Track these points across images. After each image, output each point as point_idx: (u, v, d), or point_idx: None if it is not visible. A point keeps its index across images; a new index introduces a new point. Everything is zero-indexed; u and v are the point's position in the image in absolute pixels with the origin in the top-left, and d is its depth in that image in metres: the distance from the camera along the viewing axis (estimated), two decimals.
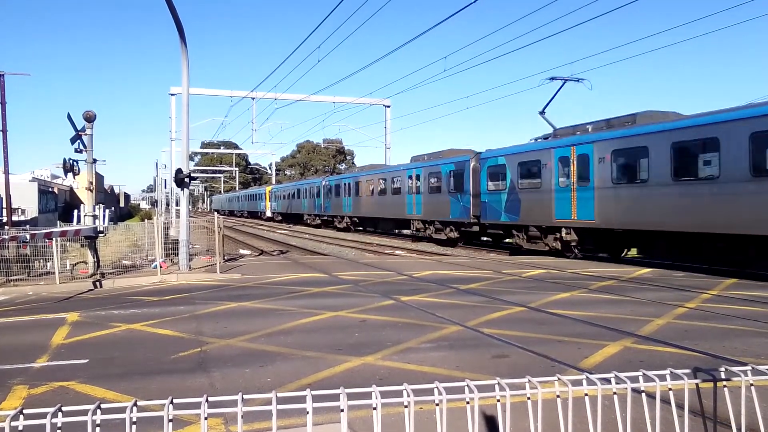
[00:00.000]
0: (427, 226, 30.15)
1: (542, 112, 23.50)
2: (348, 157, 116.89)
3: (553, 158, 20.61)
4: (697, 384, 3.13)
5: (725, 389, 3.06)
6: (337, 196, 42.93)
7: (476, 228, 26.48)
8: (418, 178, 30.60)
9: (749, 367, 3.10)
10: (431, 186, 29.24)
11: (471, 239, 28.91)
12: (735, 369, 3.11)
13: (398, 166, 34.28)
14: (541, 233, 21.48)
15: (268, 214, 67.69)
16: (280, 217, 64.00)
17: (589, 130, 19.95)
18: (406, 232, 36.17)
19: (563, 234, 20.38)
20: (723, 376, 3.08)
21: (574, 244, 20.22)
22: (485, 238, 29.21)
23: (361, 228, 41.93)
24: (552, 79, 22.41)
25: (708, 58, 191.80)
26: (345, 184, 41.76)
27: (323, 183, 46.78)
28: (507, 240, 26.36)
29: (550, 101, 23.78)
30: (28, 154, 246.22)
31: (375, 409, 2.62)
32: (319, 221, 48.98)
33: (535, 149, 21.83)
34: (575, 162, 19.62)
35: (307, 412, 2.56)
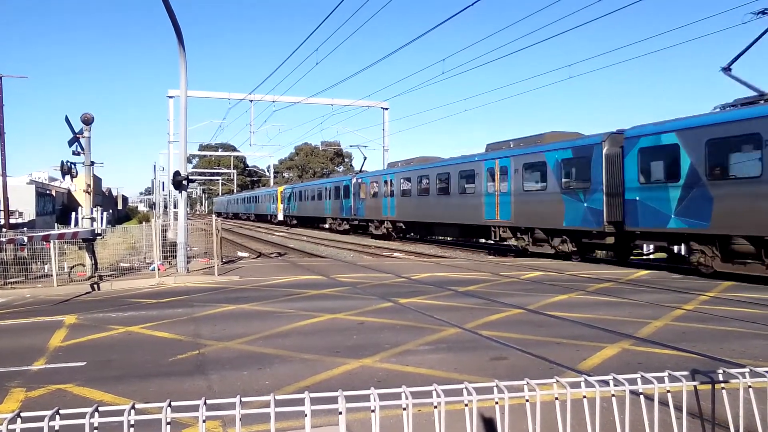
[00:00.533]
0: (519, 235, 22.80)
1: (728, 69, 15.97)
2: (346, 160, 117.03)
3: None
4: (695, 386, 3.13)
5: (723, 391, 3.06)
6: (374, 197, 36.22)
7: (610, 239, 18.79)
8: (504, 171, 23.16)
9: (747, 369, 3.10)
10: (528, 181, 22.01)
11: (588, 250, 21.08)
12: (733, 371, 3.11)
13: (470, 156, 26.49)
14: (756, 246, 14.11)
15: (280, 217, 61.22)
16: (295, 221, 57.15)
17: None
18: (479, 240, 30.44)
19: None
20: (721, 378, 3.08)
21: None
22: (637, 257, 21.85)
23: (409, 235, 35.24)
24: (763, 12, 14.81)
25: None
26: (386, 181, 34.70)
27: (354, 181, 39.76)
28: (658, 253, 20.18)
29: (747, 49, 15.86)
30: (25, 156, 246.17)
31: (373, 411, 2.62)
32: (347, 226, 41.91)
33: (740, 118, 14.41)
34: None
35: (306, 415, 2.56)
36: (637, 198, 16.99)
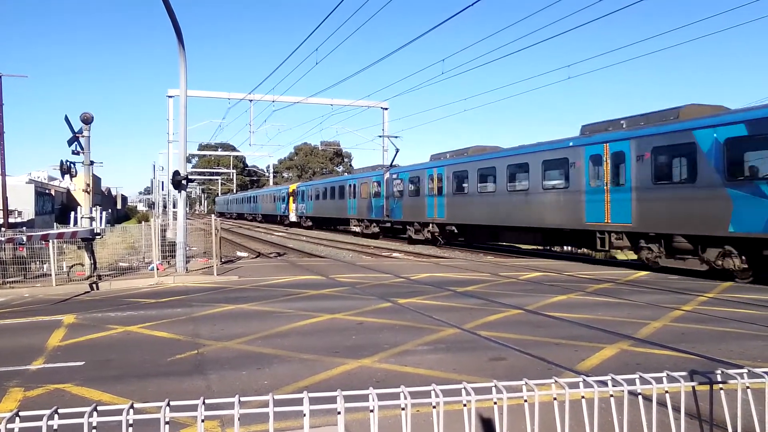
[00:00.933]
0: (644, 243, 17.04)
1: None
2: (345, 160, 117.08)
3: None
4: (693, 387, 3.13)
5: (721, 392, 3.06)
6: (415, 195, 30.58)
7: None
8: (640, 159, 16.74)
9: (745, 370, 3.10)
10: (662, 170, 16.48)
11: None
12: (731, 372, 3.11)
13: (562, 141, 20.57)
14: None
15: (293, 218, 55.32)
16: (309, 222, 51.13)
17: None
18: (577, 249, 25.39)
19: None
20: (719, 378, 3.09)
21: None
22: None
23: (461, 239, 28.82)
24: None
25: None
26: (432, 176, 28.93)
27: (387, 177, 34.24)
28: None
29: None
30: (25, 156, 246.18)
31: (372, 411, 2.62)
32: (376, 228, 36.75)
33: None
34: None
35: (304, 415, 2.56)
36: None
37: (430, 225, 29.78)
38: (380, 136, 43.52)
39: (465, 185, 26.31)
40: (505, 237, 26.03)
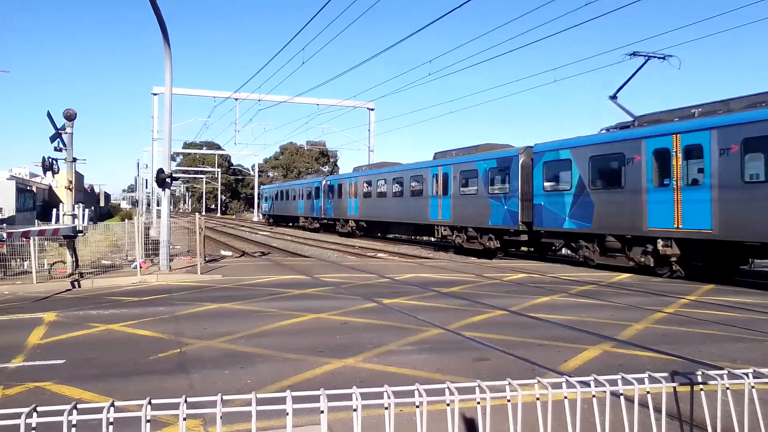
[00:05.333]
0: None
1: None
2: (331, 159, 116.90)
3: None
4: (674, 387, 3.16)
5: (702, 393, 3.10)
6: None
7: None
8: (446, 178, 26.44)
9: (725, 371, 3.14)
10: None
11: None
12: (711, 373, 3.15)
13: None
14: None
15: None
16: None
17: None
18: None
19: None
20: (700, 379, 3.12)
21: None
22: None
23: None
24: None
25: None
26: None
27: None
28: None
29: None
30: (6, 152, 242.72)
31: (355, 410, 2.61)
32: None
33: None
34: None
35: (287, 414, 2.55)
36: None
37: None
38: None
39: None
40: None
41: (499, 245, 22.99)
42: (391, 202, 31.68)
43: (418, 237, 34.35)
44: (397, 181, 30.90)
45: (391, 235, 36.35)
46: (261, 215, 58.77)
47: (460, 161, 25.08)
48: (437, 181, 26.56)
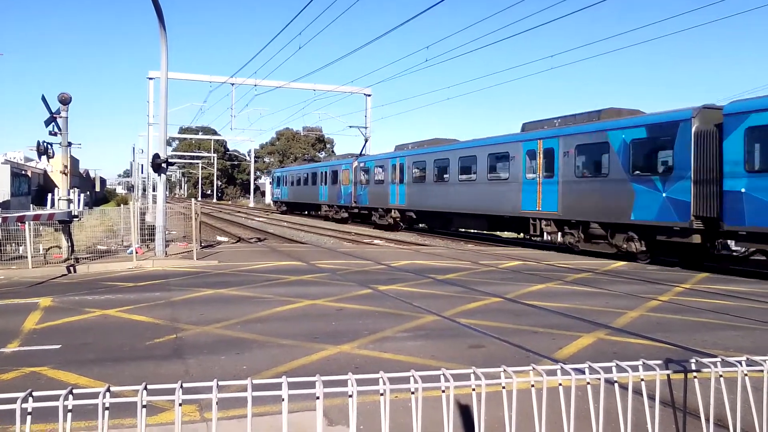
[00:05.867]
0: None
1: None
2: (328, 145, 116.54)
3: None
4: (668, 375, 3.18)
5: (695, 380, 3.12)
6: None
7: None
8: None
9: (719, 359, 3.16)
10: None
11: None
12: (705, 361, 3.17)
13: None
14: None
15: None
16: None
17: None
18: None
19: None
20: (693, 367, 3.14)
21: None
22: None
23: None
24: None
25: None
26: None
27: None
28: None
29: None
30: (0, 136, 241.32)
31: (351, 396, 2.62)
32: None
33: None
34: None
35: (283, 400, 2.55)
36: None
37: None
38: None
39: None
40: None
41: (644, 248, 16.97)
42: (456, 189, 25.14)
43: (495, 233, 28.19)
44: (465, 160, 24.65)
45: (454, 230, 30.10)
46: (272, 202, 55.10)
47: (574, 132, 19.08)
48: (534, 159, 20.49)
